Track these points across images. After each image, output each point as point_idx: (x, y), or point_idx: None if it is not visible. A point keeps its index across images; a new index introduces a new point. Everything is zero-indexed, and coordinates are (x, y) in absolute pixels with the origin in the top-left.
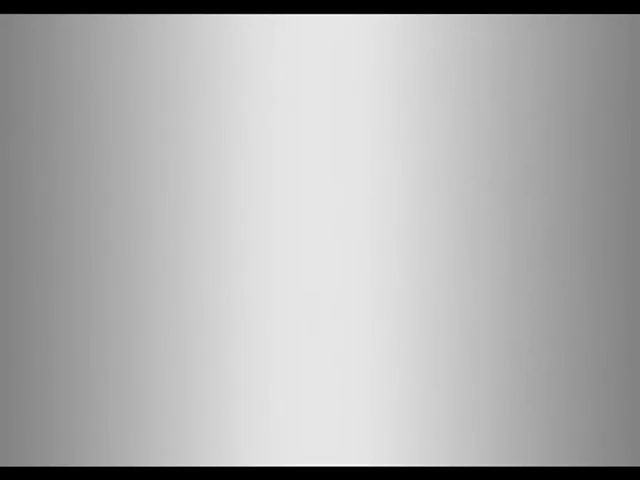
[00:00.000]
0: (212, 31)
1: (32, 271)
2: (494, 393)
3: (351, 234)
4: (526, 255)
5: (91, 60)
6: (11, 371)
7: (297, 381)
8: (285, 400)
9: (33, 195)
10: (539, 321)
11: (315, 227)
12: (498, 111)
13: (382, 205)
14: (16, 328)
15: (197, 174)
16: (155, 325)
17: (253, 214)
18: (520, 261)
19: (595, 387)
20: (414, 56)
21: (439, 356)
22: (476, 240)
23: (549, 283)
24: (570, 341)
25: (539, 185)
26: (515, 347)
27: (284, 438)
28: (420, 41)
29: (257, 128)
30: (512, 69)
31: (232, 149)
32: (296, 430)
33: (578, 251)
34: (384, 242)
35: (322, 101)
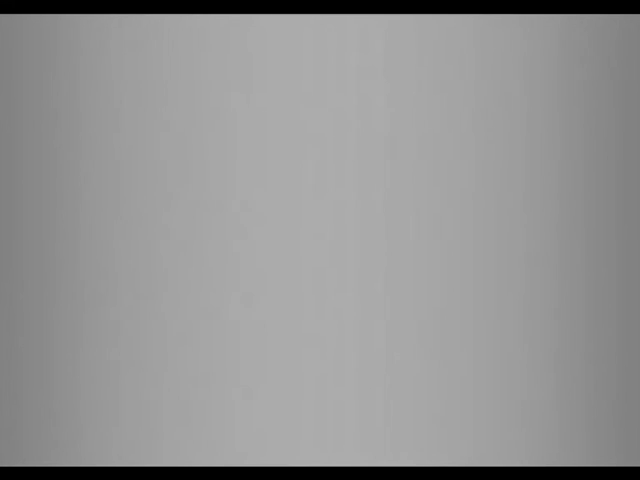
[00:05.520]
0: (215, 31)
1: (32, 272)
2: (492, 394)
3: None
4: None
5: (92, 60)
6: (10, 372)
7: (297, 381)
8: (284, 400)
9: (37, 197)
10: (536, 322)
11: (318, 231)
12: (499, 112)
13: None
14: (16, 329)
15: (197, 174)
16: (158, 326)
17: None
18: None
19: (592, 388)
20: (417, 56)
21: (439, 359)
22: (480, 242)
23: (546, 286)
24: (566, 342)
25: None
26: (512, 349)
27: (284, 438)
28: (422, 42)
29: (257, 129)
30: (518, 69)
31: (230, 149)
32: (297, 430)
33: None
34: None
35: (323, 101)
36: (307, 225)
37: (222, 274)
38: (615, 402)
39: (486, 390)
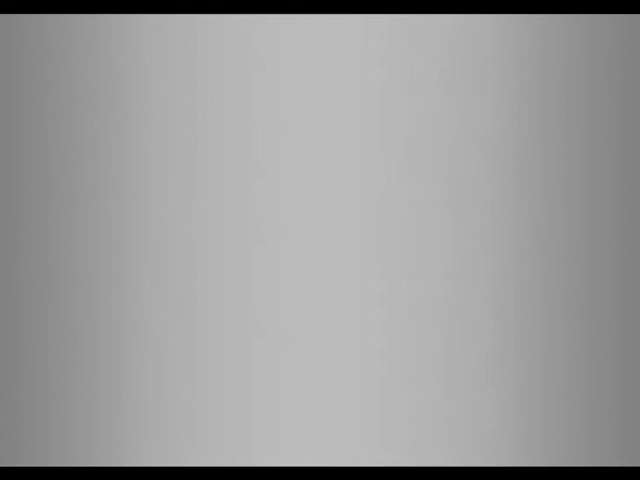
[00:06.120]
0: (213, 31)
1: (31, 271)
2: (492, 394)
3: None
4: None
5: (90, 61)
6: (9, 371)
7: (299, 381)
8: (285, 400)
9: (33, 197)
10: (536, 322)
11: (315, 232)
12: (495, 112)
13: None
14: (17, 330)
15: (194, 176)
16: (159, 326)
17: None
18: (520, 261)
19: (591, 386)
20: (415, 57)
21: (439, 358)
22: (480, 243)
23: (546, 285)
24: (567, 342)
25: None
26: (513, 348)
27: (284, 438)
28: (420, 42)
29: (256, 130)
30: (515, 70)
31: (229, 148)
32: (298, 430)
33: (573, 252)
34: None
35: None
36: (305, 228)
37: (221, 275)
38: (617, 402)
39: (487, 390)
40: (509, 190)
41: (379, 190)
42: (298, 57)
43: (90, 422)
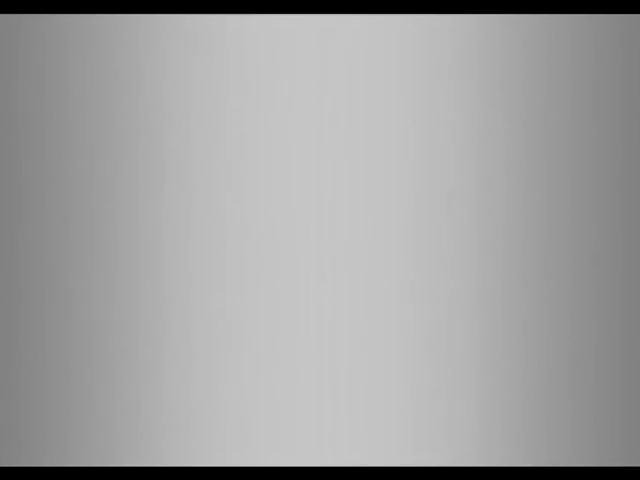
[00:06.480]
0: (214, 31)
1: (30, 271)
2: (496, 394)
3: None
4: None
5: (90, 61)
6: (9, 372)
7: (300, 381)
8: (287, 400)
9: (37, 199)
10: (540, 323)
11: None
12: (494, 112)
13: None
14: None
15: (195, 176)
16: (159, 326)
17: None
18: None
19: (595, 387)
20: (415, 57)
21: (440, 358)
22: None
23: (550, 285)
24: (571, 343)
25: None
26: (517, 349)
27: (286, 438)
28: (419, 42)
29: (256, 130)
30: (514, 70)
31: (228, 148)
32: (299, 430)
33: (573, 252)
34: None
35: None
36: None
37: (216, 272)
38: (621, 402)
39: (489, 389)
40: (511, 190)
41: (380, 190)
42: (298, 57)
43: (88, 422)
